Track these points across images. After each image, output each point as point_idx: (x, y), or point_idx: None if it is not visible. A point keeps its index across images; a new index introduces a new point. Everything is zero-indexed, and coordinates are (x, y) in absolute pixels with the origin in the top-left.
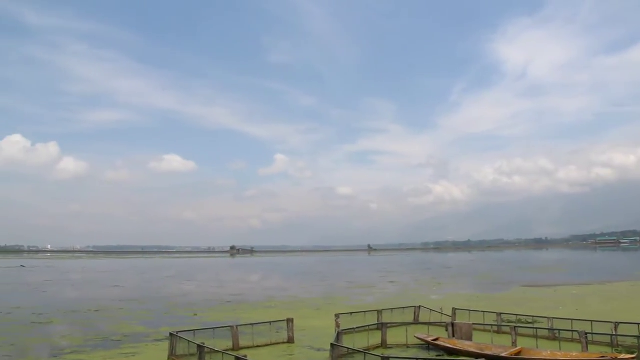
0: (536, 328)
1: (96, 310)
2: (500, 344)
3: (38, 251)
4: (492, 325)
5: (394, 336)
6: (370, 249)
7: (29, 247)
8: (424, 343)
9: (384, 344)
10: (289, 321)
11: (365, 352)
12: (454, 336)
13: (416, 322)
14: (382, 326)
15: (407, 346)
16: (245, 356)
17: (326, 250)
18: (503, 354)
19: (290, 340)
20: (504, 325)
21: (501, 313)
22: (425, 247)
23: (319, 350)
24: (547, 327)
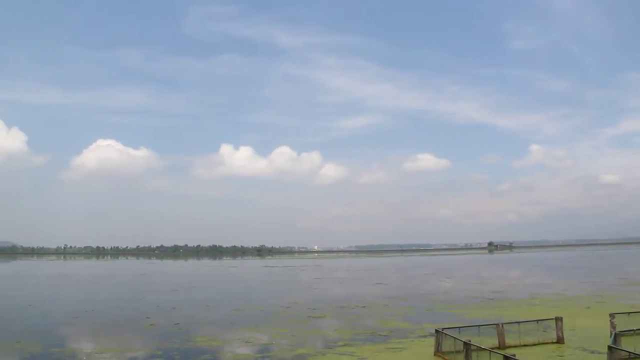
0: None
1: (362, 307)
2: None
3: (307, 251)
4: None
5: None
6: None
7: (299, 247)
8: None
9: None
10: (558, 320)
11: None
12: None
13: None
14: None
15: None
16: (514, 355)
17: (591, 244)
18: None
19: (560, 340)
20: None
21: None
22: None
23: (592, 352)
24: None
